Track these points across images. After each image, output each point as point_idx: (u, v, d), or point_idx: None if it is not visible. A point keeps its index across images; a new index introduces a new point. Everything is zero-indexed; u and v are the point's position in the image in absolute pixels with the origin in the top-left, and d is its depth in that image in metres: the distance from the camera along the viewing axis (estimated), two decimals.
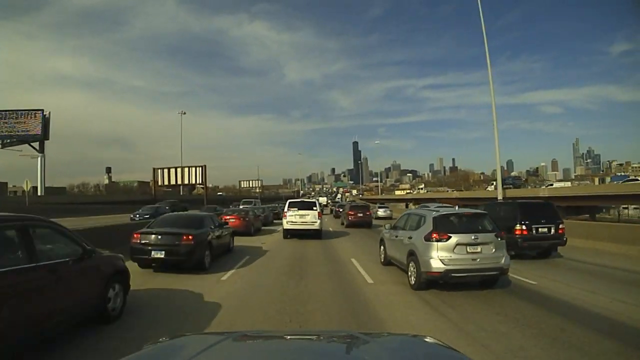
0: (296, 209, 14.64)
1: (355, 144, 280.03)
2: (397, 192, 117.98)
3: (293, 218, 14.47)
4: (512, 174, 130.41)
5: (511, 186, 54.90)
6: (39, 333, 3.43)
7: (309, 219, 14.42)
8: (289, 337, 2.04)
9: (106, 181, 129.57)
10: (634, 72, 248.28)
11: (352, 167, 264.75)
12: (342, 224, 22.10)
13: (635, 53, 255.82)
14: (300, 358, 1.51)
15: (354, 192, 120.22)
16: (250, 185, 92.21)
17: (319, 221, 14.56)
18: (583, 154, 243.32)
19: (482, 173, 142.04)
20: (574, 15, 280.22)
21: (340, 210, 29.17)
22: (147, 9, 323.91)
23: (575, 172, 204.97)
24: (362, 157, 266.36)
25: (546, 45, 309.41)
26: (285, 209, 14.81)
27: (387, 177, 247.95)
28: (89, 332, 4.17)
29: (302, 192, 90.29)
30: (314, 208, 14.79)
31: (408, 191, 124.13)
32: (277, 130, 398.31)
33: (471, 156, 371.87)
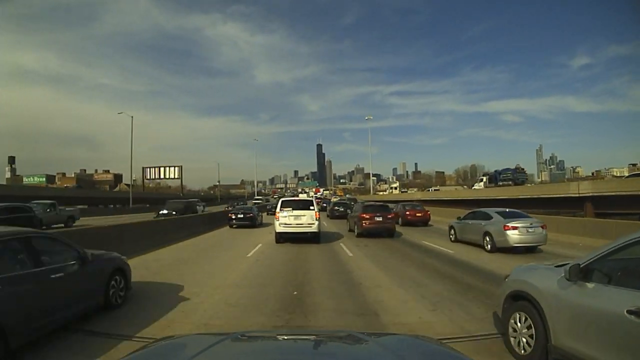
0: (290, 209, 13.27)
1: (320, 146, 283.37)
2: (381, 193, 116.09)
3: (287, 219, 13.11)
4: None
5: (510, 182, 48.65)
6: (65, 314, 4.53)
7: (305, 220, 13.05)
8: (289, 337, 2.12)
9: (8, 174, 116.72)
10: (591, 85, 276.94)
11: (315, 170, 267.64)
12: (350, 230, 17.26)
13: (594, 67, 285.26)
14: (300, 358, 1.57)
15: (327, 192, 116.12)
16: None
17: (316, 223, 13.19)
18: (546, 160, 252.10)
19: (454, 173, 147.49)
20: (538, 29, 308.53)
21: (338, 209, 27.62)
22: (119, 5, 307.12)
23: (539, 178, 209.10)
24: (326, 160, 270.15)
25: (510, 58, 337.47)
26: (278, 209, 13.40)
27: (351, 181, 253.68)
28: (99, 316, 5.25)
29: (256, 192, 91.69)
30: (311, 208, 13.38)
31: (386, 192, 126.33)
32: (244, 131, 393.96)
33: (434, 161, 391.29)
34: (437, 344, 1.85)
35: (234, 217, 20.47)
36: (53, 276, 4.45)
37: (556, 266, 3.66)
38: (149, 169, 69.69)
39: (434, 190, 69.22)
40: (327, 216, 29.32)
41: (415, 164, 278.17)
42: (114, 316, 5.31)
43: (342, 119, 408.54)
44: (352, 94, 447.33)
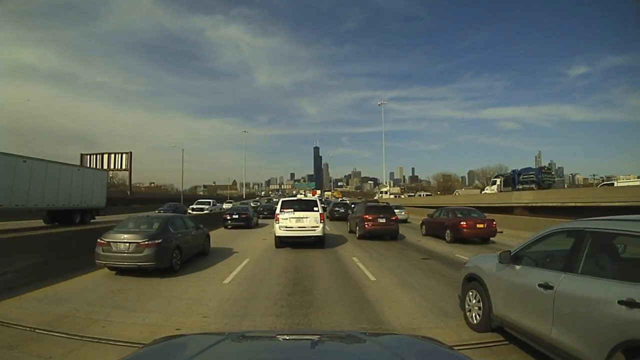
0: (292, 210, 12.24)
1: (317, 149, 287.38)
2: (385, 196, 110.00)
3: (288, 222, 12.09)
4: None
5: (533, 186, 36.65)
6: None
7: (308, 222, 12.09)
8: (289, 337, 2.21)
9: None
10: (588, 94, 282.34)
11: (312, 173, 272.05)
12: (351, 232, 17.29)
13: (591, 76, 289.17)
14: (300, 358, 1.63)
15: (329, 193, 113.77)
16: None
17: (321, 225, 12.19)
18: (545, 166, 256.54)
19: (463, 177, 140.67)
20: (537, 38, 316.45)
21: (339, 210, 27.62)
22: (122, 3, 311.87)
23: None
24: (322, 163, 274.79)
25: (508, 65, 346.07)
26: (278, 210, 12.34)
27: (348, 185, 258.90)
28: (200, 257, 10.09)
29: (244, 192, 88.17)
30: (315, 209, 12.31)
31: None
32: (241, 134, 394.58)
33: (430, 166, 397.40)
34: (437, 344, 1.90)
35: (229, 217, 20.62)
36: (192, 234, 9.59)
37: (500, 254, 4.50)
38: (88, 156, 55.29)
39: (461, 193, 57.77)
40: (327, 217, 28.44)
41: (412, 168, 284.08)
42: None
43: (340, 123, 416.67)
44: (350, 99, 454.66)
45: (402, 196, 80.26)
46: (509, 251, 4.35)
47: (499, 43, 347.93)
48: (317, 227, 12.12)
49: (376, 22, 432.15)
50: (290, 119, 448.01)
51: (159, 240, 7.88)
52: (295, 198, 14.68)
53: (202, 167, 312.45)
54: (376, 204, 18.26)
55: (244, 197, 74.76)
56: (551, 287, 3.42)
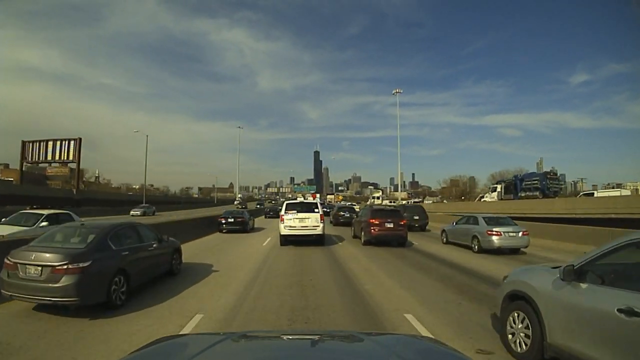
0: (295, 211, 13.60)
1: (317, 153, 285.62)
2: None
3: (292, 222, 13.42)
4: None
5: (537, 194, 33.19)
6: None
7: (310, 222, 13.47)
8: (289, 337, 2.17)
9: None
10: (590, 101, 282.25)
11: (312, 177, 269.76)
12: (355, 237, 16.53)
13: (593, 84, 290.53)
14: (300, 357, 1.62)
15: (331, 197, 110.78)
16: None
17: (321, 225, 13.59)
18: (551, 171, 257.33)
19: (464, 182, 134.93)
20: (539, 45, 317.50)
21: (343, 214, 24.75)
22: (126, 6, 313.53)
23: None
24: (323, 168, 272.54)
25: (510, 72, 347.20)
26: (282, 212, 13.76)
27: (348, 189, 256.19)
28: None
29: (239, 195, 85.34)
30: (316, 210, 13.77)
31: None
32: (242, 137, 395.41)
33: (430, 172, 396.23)
34: (437, 344, 1.90)
35: (224, 221, 19.55)
36: (148, 249, 6.89)
37: (552, 267, 3.84)
38: (30, 144, 45.08)
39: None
40: (330, 222, 25.81)
41: (413, 174, 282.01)
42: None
43: (341, 128, 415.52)
44: (352, 104, 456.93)
45: (428, 201, 69.91)
46: (572, 265, 3.47)
47: (501, 50, 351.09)
48: (318, 226, 13.58)
49: (379, 28, 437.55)
50: (291, 123, 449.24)
51: (86, 264, 5.21)
52: (297, 201, 16.57)
53: (204, 170, 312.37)
54: (383, 207, 18.27)
55: (235, 200, 70.74)
56: (638, 314, 2.73)
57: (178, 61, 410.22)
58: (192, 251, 11.81)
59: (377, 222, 14.10)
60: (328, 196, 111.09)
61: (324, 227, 13.88)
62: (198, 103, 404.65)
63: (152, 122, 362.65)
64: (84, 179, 68.53)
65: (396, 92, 50.28)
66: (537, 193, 33.38)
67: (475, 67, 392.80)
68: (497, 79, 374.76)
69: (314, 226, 13.46)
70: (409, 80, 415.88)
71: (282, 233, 13.58)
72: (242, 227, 19.67)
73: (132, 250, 6.38)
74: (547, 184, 33.74)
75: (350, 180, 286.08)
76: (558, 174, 35.74)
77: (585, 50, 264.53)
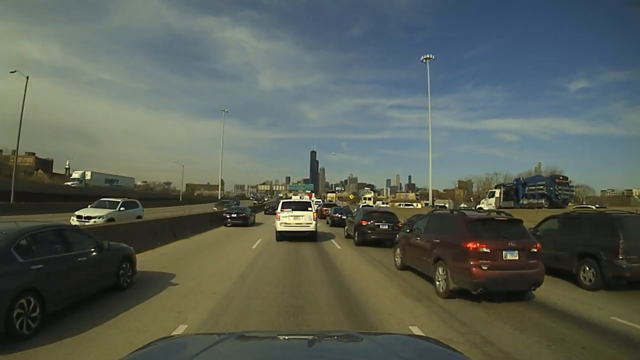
0: (290, 209, 14.75)
1: (313, 153, 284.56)
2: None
3: (287, 219, 14.55)
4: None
5: (543, 201, 27.68)
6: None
7: (303, 220, 14.52)
8: (288, 337, 2.16)
9: None
10: (588, 108, 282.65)
11: (308, 177, 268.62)
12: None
13: (591, 91, 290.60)
14: (299, 358, 1.59)
15: (332, 195, 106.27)
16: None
17: (314, 222, 14.66)
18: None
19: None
20: (539, 52, 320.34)
21: (339, 216, 23.78)
22: (130, 2, 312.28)
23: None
24: (319, 168, 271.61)
25: (509, 78, 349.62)
26: (278, 210, 14.97)
27: (344, 190, 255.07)
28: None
29: (230, 193, 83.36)
30: (309, 209, 14.81)
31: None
32: (240, 136, 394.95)
33: (427, 175, 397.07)
34: (436, 344, 1.89)
35: (228, 217, 22.70)
36: (79, 259, 5.51)
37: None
38: None
39: None
40: (327, 223, 25.92)
41: (409, 176, 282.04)
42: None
43: (340, 129, 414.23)
44: (352, 105, 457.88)
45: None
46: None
47: (502, 55, 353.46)
48: (311, 223, 14.64)
49: (382, 30, 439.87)
50: (290, 123, 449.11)
51: None
52: (292, 200, 18.07)
53: (203, 167, 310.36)
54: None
55: (219, 197, 67.00)
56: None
57: (179, 58, 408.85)
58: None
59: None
60: (329, 194, 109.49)
61: (316, 224, 15.01)
62: (198, 101, 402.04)
63: (152, 119, 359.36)
64: (53, 171, 63.95)
65: (426, 59, 40.42)
66: (543, 201, 27.55)
67: (476, 72, 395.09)
68: (496, 84, 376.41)
69: (307, 223, 14.56)
70: (408, 83, 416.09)
71: (277, 229, 14.77)
72: (244, 221, 22.87)
73: (52, 262, 4.99)
74: (556, 190, 27.62)
75: (346, 181, 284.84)
76: (569, 179, 29.72)
77: (584, 58, 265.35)
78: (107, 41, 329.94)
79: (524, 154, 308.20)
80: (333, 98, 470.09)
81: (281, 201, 15.79)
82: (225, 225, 22.36)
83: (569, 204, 28.54)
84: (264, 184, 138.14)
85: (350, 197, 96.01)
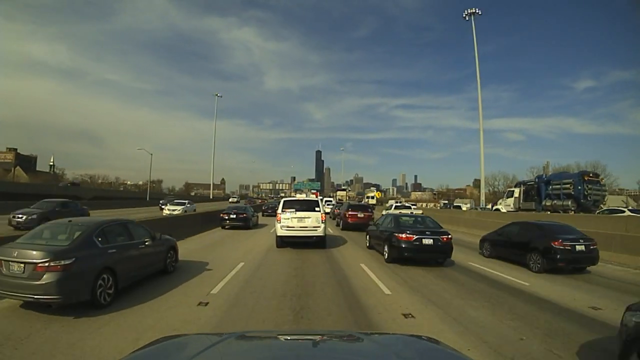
0: (293, 210, 12.41)
1: (319, 153, 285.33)
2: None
3: (290, 222, 12.27)
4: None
5: (570, 203, 23.32)
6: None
7: (310, 222, 12.25)
8: (288, 337, 2.17)
9: None
10: (593, 108, 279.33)
11: (314, 177, 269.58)
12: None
13: (597, 90, 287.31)
14: (300, 357, 1.63)
15: (342, 193, 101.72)
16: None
17: (322, 226, 12.35)
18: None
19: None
20: (545, 51, 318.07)
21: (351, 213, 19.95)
22: (137, 3, 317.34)
23: None
24: (324, 168, 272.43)
25: (515, 77, 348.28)
26: (279, 210, 12.56)
27: (350, 190, 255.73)
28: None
29: (222, 194, 74.93)
30: (317, 209, 12.47)
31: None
32: (246, 136, 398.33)
33: (433, 175, 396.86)
34: (437, 344, 1.89)
35: (227, 217, 19.46)
36: (140, 247, 6.71)
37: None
38: None
39: None
40: (337, 225, 22.78)
41: (415, 176, 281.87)
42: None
43: (345, 128, 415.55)
44: (358, 105, 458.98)
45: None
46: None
47: (507, 55, 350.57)
48: (319, 227, 12.24)
49: (388, 31, 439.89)
50: (296, 123, 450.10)
51: (69, 261, 5.03)
52: (297, 198, 14.70)
53: (205, 167, 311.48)
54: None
55: (212, 197, 64.05)
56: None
57: (185, 58, 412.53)
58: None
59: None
60: (338, 192, 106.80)
61: (325, 227, 12.75)
62: (203, 101, 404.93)
63: (157, 119, 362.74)
64: (37, 169, 61.68)
65: (471, 14, 35.24)
66: (570, 202, 23.33)
67: (482, 72, 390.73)
68: (502, 83, 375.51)
69: (314, 227, 12.21)
70: (415, 83, 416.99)
71: (278, 234, 12.50)
72: (245, 223, 19.53)
73: (121, 248, 6.20)
74: (585, 190, 23.06)
75: (352, 180, 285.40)
76: (600, 176, 25.15)
77: (590, 57, 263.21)
78: (114, 42, 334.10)
79: (529, 153, 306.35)
80: (338, 98, 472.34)
81: (282, 200, 13.43)
82: (223, 227, 19.48)
83: (601, 205, 24.22)
84: (269, 183, 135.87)
85: (378, 195, 78.58)
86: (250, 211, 20.89)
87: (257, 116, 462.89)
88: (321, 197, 42.80)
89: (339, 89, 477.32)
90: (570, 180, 24.33)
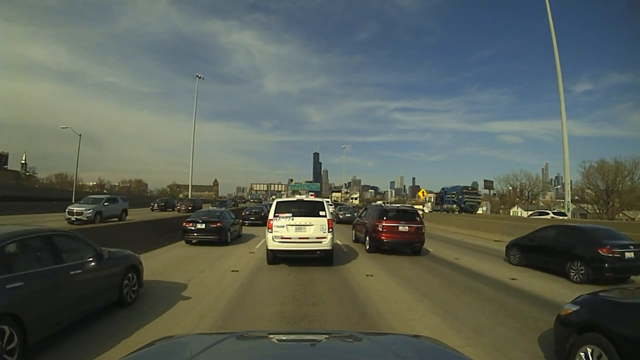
0: (290, 215, 9.45)
1: (316, 155, 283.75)
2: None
3: (285, 231, 9.33)
4: None
5: (454, 207, 34.05)
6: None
7: (312, 232, 9.33)
8: (289, 336, 2.13)
9: None
10: (591, 110, 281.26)
11: (311, 179, 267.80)
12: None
13: (595, 93, 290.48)
14: (299, 357, 1.58)
15: (336, 195, 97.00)
16: None
17: (329, 236, 9.40)
18: (552, 179, 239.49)
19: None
20: (543, 54, 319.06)
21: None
22: (138, 5, 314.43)
23: (544, 197, 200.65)
24: (322, 170, 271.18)
25: (514, 80, 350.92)
26: (271, 216, 9.56)
27: (348, 192, 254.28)
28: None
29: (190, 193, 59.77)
30: (322, 213, 9.55)
31: None
32: (245, 139, 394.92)
33: (430, 177, 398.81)
34: (437, 344, 1.87)
35: (192, 227, 13.24)
36: (72, 272, 4.41)
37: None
38: None
39: None
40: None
41: (413, 178, 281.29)
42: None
43: (344, 131, 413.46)
44: (357, 108, 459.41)
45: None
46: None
47: (506, 58, 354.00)
48: (324, 237, 9.25)
49: (389, 34, 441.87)
50: (295, 126, 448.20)
51: None
52: (294, 199, 10.82)
53: (203, 170, 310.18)
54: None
55: (190, 196, 54.16)
56: None
57: (185, 61, 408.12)
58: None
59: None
60: (333, 194, 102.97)
61: (332, 238, 9.60)
62: (204, 103, 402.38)
63: (157, 121, 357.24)
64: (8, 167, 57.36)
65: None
66: (455, 206, 33.94)
67: (480, 75, 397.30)
68: (500, 86, 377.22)
69: (318, 237, 9.24)
70: (414, 86, 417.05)
71: (269, 247, 9.44)
72: (219, 236, 13.20)
73: (37, 278, 3.91)
74: (464, 199, 34.01)
75: (350, 183, 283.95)
76: (477, 189, 38.08)
77: (588, 60, 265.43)
78: (114, 44, 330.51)
79: (526, 156, 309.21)
80: (338, 101, 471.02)
81: (275, 201, 10.37)
82: (187, 242, 13.53)
83: (478, 210, 35.63)
84: (263, 184, 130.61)
85: (423, 194, 51.69)
86: (228, 219, 14.61)
87: (255, 119, 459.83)
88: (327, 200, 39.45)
89: (338, 92, 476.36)
90: (455, 192, 35.22)
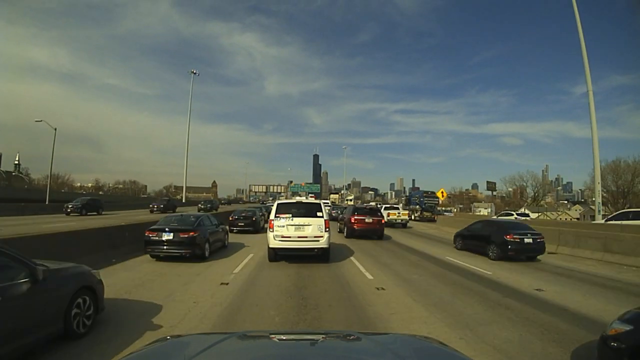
0: (289, 215, 10.39)
1: (316, 157, 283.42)
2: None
3: (285, 230, 10.26)
4: None
5: (417, 207, 38.51)
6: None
7: (310, 231, 10.27)
8: (289, 336, 2.12)
9: None
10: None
11: (311, 181, 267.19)
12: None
13: (596, 95, 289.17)
14: (299, 357, 1.58)
15: (334, 196, 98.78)
16: None
17: (326, 235, 10.35)
18: (552, 181, 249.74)
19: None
20: (544, 56, 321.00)
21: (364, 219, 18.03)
22: (139, 7, 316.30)
23: (545, 199, 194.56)
24: (322, 172, 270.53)
25: (514, 82, 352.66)
26: (272, 216, 10.47)
27: (347, 193, 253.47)
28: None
29: (184, 195, 56.16)
30: (319, 214, 10.52)
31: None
32: (245, 141, 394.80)
33: (431, 179, 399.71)
34: (437, 344, 1.87)
35: (161, 238, 10.30)
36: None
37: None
38: None
39: None
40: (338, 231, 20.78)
41: (413, 180, 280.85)
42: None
43: (344, 133, 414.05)
44: (357, 110, 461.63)
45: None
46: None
47: (507, 60, 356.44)
48: (322, 236, 10.41)
49: (390, 36, 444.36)
50: (295, 128, 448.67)
51: None
52: (293, 201, 12.20)
53: (206, 172, 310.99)
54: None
55: (184, 200, 51.66)
56: None
57: (186, 63, 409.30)
58: None
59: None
60: (331, 195, 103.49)
61: (329, 237, 10.62)
62: (203, 105, 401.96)
63: (158, 123, 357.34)
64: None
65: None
66: (417, 207, 39.40)
67: (480, 77, 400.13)
68: (501, 88, 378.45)
69: (316, 236, 10.29)
70: (414, 88, 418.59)
71: (270, 245, 10.48)
72: (192, 250, 10.37)
73: None
74: (424, 201, 39.55)
75: (349, 185, 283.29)
76: (435, 193, 43.83)
77: (588, 62, 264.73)
78: (115, 46, 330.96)
79: (526, 157, 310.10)
80: (338, 103, 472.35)
81: (276, 202, 11.34)
82: (154, 257, 10.64)
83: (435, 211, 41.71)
84: (262, 185, 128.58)
85: (443, 194, 47.81)
86: (206, 225, 11.67)
87: (256, 121, 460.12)
88: (325, 201, 44.58)
89: (339, 94, 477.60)
90: (418, 195, 41.68)
